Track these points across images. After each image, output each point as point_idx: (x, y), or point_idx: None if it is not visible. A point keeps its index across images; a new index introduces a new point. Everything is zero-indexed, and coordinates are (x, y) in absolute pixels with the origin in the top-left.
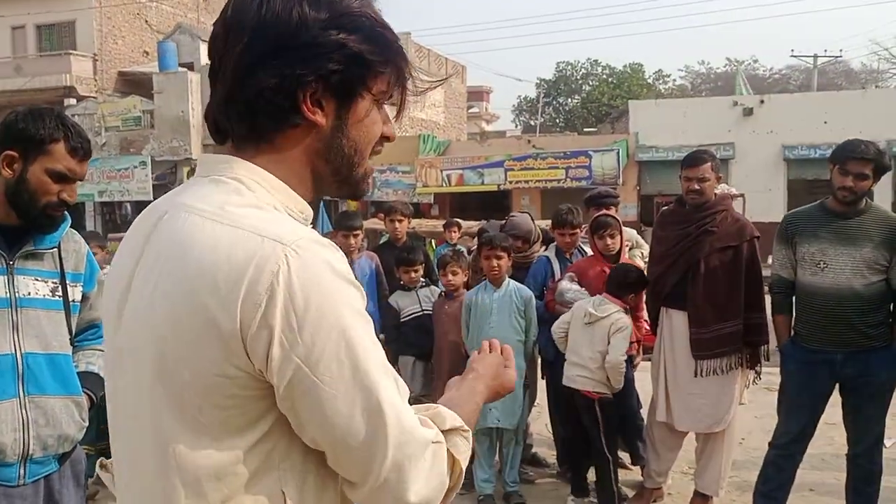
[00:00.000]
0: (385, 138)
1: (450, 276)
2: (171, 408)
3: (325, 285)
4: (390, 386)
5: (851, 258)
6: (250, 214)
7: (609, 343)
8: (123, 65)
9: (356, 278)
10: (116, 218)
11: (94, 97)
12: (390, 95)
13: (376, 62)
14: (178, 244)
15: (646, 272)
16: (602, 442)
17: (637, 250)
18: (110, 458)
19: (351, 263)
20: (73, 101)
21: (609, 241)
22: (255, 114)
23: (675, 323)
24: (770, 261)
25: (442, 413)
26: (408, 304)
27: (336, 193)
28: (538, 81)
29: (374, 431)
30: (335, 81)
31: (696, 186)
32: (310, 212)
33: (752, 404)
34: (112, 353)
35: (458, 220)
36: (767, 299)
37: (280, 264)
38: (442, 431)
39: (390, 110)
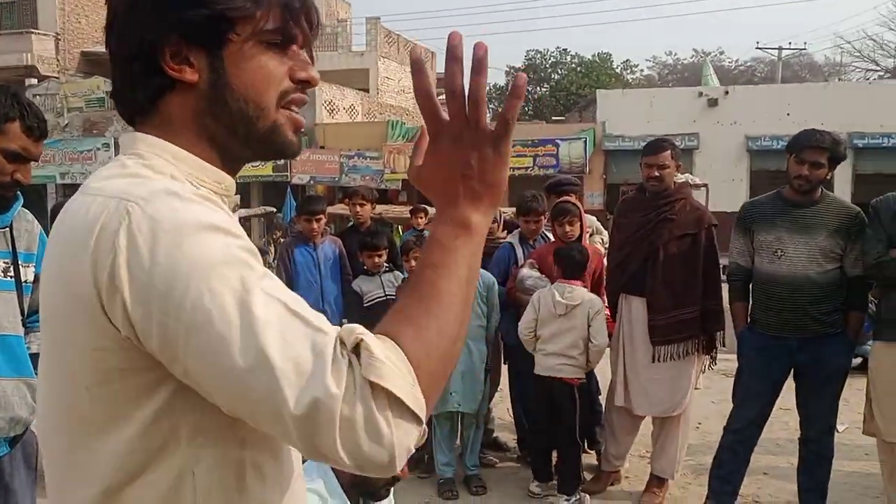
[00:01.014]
0: (303, 82)
1: (413, 262)
2: (68, 388)
3: (174, 230)
4: (281, 319)
5: (807, 246)
6: (122, 182)
7: (590, 327)
8: (87, 44)
9: (318, 262)
10: None
11: (56, 77)
12: (285, 33)
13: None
14: (59, 221)
15: (606, 259)
16: (577, 427)
17: (598, 237)
18: None
19: (314, 248)
20: (34, 80)
21: (568, 227)
22: (132, 88)
23: (634, 309)
24: (730, 249)
25: (348, 328)
26: (371, 289)
27: (252, 155)
28: (507, 69)
29: (266, 383)
30: (192, 31)
31: (657, 173)
32: (229, 182)
33: (710, 390)
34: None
35: (424, 206)
36: (725, 287)
37: (122, 219)
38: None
39: (300, 51)
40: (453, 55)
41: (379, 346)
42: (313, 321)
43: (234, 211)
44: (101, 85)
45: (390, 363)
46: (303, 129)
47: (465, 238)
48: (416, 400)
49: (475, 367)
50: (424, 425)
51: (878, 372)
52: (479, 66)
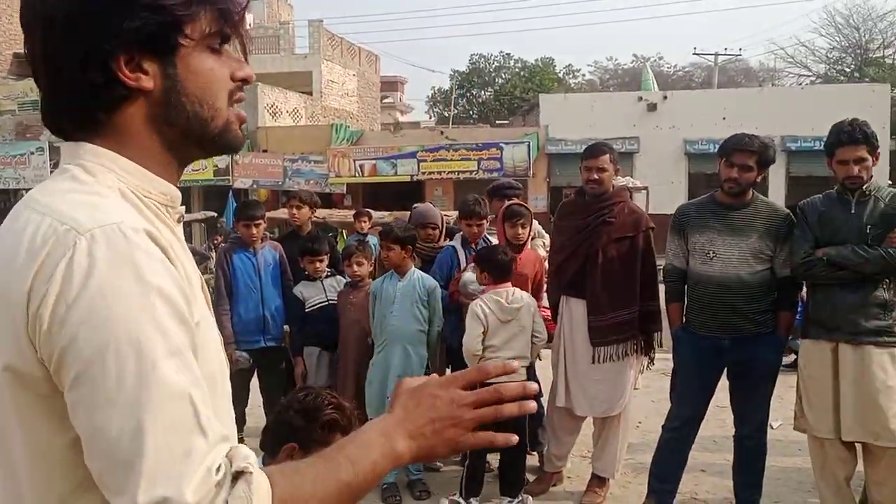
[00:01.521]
0: (242, 80)
1: (355, 267)
2: (16, 389)
3: (108, 277)
4: (173, 406)
5: (738, 248)
6: (68, 199)
7: (535, 322)
8: (19, 46)
9: (258, 268)
10: (11, 206)
11: None
12: (222, 35)
13: (177, 6)
14: (1, 233)
15: (547, 262)
16: (527, 428)
17: (539, 240)
18: None
19: (254, 254)
20: None
21: (520, 230)
22: (80, 100)
23: (574, 311)
24: (666, 251)
25: (242, 452)
26: (313, 294)
27: (204, 154)
28: (452, 73)
29: (124, 460)
30: (145, 39)
31: (596, 176)
32: (175, 193)
33: (649, 389)
34: None
35: (368, 210)
36: (662, 289)
37: (67, 251)
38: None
39: (235, 51)
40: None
41: (261, 486)
42: (204, 422)
43: (179, 221)
44: (35, 88)
45: (259, 498)
46: (245, 122)
47: (389, 461)
48: None
49: (412, 373)
50: None
51: (807, 369)
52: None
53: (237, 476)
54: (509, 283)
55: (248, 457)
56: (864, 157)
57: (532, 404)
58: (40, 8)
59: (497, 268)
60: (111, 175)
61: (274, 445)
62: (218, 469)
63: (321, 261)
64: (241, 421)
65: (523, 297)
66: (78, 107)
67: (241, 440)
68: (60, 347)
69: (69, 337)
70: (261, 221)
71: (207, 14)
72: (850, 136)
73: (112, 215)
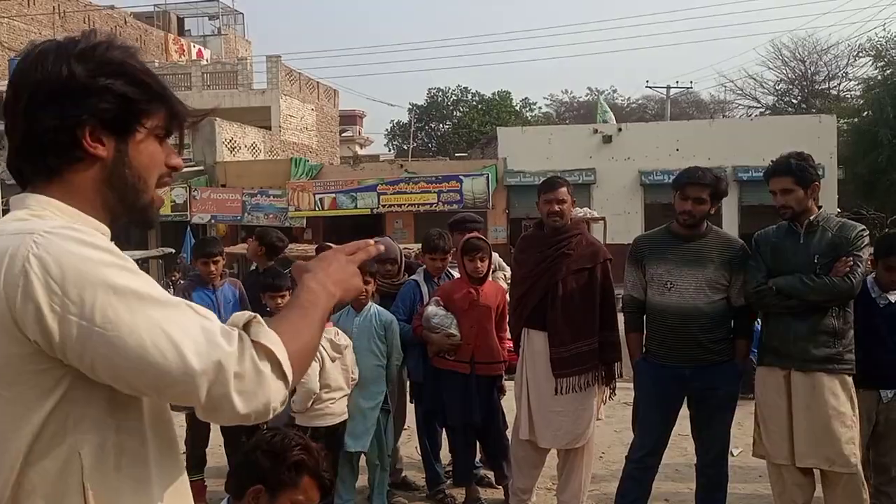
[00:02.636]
0: (172, 168)
1: None
2: None
3: (76, 252)
4: (173, 311)
5: (695, 278)
6: (17, 224)
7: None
8: None
9: (217, 305)
10: None
11: None
12: (167, 130)
13: (141, 101)
14: None
15: (508, 294)
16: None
17: (500, 273)
18: None
19: (213, 291)
20: None
21: (479, 263)
22: (44, 153)
23: (536, 343)
24: (624, 282)
25: (238, 317)
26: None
27: (127, 219)
28: (410, 107)
29: (174, 356)
30: (109, 119)
31: (557, 208)
32: (105, 230)
33: (612, 419)
34: None
35: (330, 244)
36: (621, 318)
37: (30, 248)
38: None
39: (174, 145)
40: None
41: (262, 325)
42: (199, 311)
43: None
44: None
45: (274, 337)
46: (161, 206)
47: (326, 297)
48: (287, 364)
49: (364, 407)
50: (287, 393)
51: (762, 396)
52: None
53: (247, 325)
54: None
55: (247, 312)
56: (789, 189)
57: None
58: (33, 75)
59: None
60: (51, 214)
61: (239, 487)
62: (231, 328)
63: (283, 297)
64: (201, 461)
65: (344, 336)
66: (42, 159)
67: (202, 481)
68: (65, 317)
69: (73, 305)
70: (219, 258)
71: (162, 112)
72: (776, 167)
73: (57, 221)
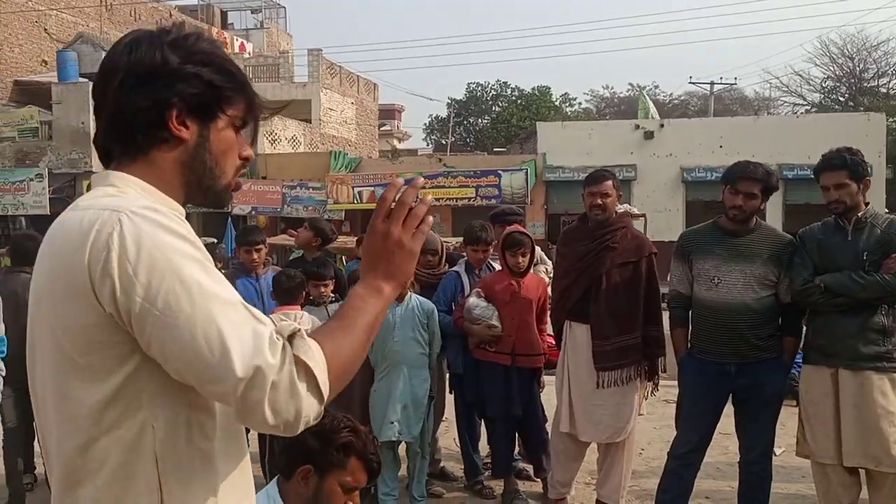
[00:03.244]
0: (245, 159)
1: None
2: (60, 361)
3: (154, 236)
4: (231, 310)
5: (743, 274)
6: (103, 200)
7: None
8: (20, 73)
9: (261, 293)
10: (10, 232)
11: None
12: (244, 121)
13: (226, 88)
14: (54, 231)
15: (550, 288)
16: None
17: (542, 266)
18: None
19: (256, 279)
20: None
21: (521, 258)
22: (132, 132)
23: (578, 336)
24: (669, 277)
25: (285, 324)
26: (317, 320)
27: (202, 201)
28: (449, 101)
29: (220, 354)
30: (195, 104)
31: (600, 202)
32: (182, 210)
33: (653, 416)
34: (29, 347)
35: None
36: (665, 314)
37: (115, 225)
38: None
39: (247, 136)
40: (413, 185)
41: (306, 338)
42: (255, 314)
43: None
44: (35, 115)
45: (315, 351)
46: (238, 189)
47: (377, 299)
48: (324, 382)
49: (416, 396)
50: (322, 407)
51: (808, 395)
52: (424, 198)
53: (291, 337)
54: (298, 307)
55: (293, 324)
56: (843, 183)
57: (419, 180)
58: (127, 59)
59: (278, 288)
60: (134, 192)
61: (289, 467)
62: (278, 337)
63: (326, 286)
64: None
65: (310, 319)
66: (131, 137)
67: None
68: (131, 296)
69: (140, 286)
70: (262, 246)
71: (242, 102)
72: (829, 161)
73: (140, 202)
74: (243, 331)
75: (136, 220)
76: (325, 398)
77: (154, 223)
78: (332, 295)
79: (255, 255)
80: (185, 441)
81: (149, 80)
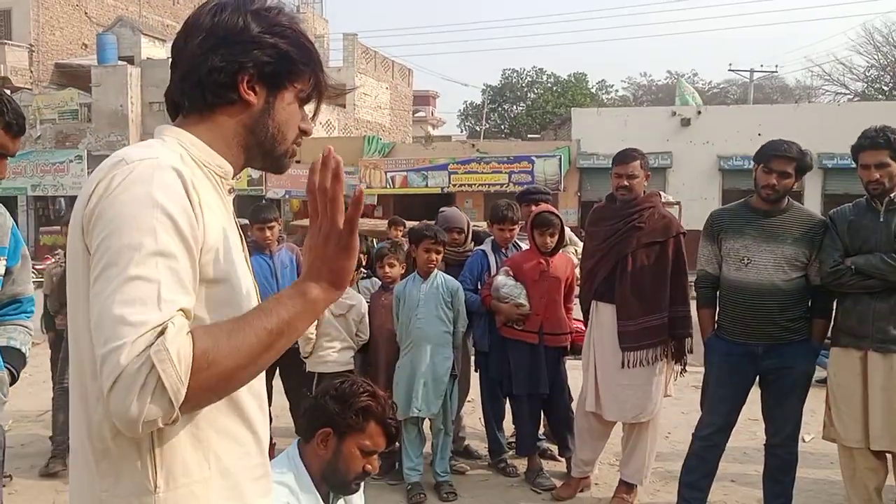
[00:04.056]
0: (303, 132)
1: (387, 269)
2: (81, 304)
3: (135, 195)
4: (135, 289)
5: (773, 255)
6: (131, 148)
7: (360, 323)
8: (61, 56)
9: (275, 271)
10: (49, 213)
11: (28, 89)
12: (309, 95)
13: (299, 62)
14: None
15: (578, 268)
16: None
17: (571, 247)
18: None
19: (270, 256)
20: (6, 91)
21: (549, 239)
22: (203, 89)
23: (604, 315)
24: (698, 257)
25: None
26: (346, 296)
27: (261, 165)
28: (484, 87)
29: (101, 318)
30: (267, 72)
31: (626, 183)
32: (228, 168)
33: (680, 401)
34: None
35: (402, 219)
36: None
37: (114, 169)
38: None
39: (309, 110)
40: (324, 163)
41: (176, 339)
42: (163, 302)
43: (230, 193)
44: (75, 97)
45: (175, 358)
46: (295, 156)
47: (298, 301)
48: (175, 392)
49: (437, 373)
50: (177, 413)
51: (836, 378)
52: (337, 173)
53: (163, 331)
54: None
55: (173, 315)
56: (885, 163)
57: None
58: (210, 21)
59: None
60: (177, 144)
61: (309, 430)
62: (152, 333)
63: (270, 228)
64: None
65: (356, 296)
66: (199, 95)
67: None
68: (93, 234)
69: (98, 228)
70: (275, 224)
71: (311, 78)
72: (873, 140)
73: (154, 153)
74: (128, 311)
75: (133, 166)
76: (177, 405)
77: (143, 182)
78: (365, 271)
79: (269, 233)
80: None
81: (227, 43)
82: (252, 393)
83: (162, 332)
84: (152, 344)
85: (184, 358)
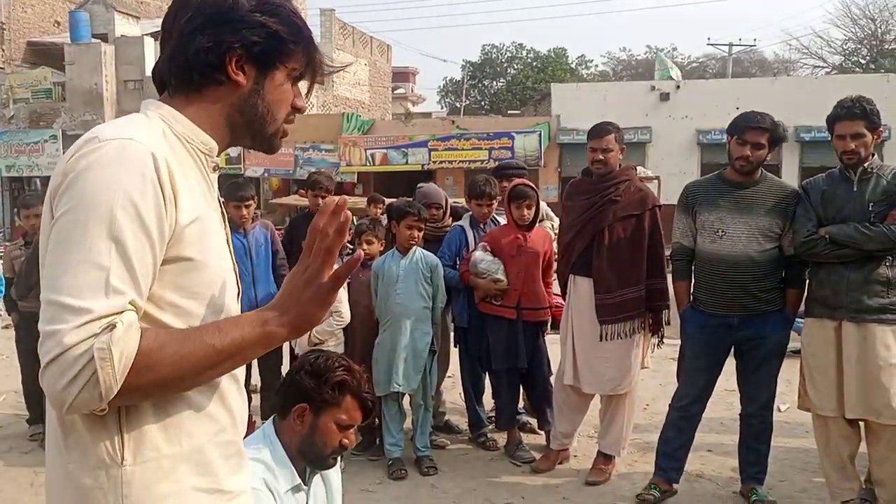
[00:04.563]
0: (296, 109)
1: (365, 246)
2: None
3: (101, 174)
4: (89, 273)
5: (747, 226)
6: (109, 124)
7: (339, 302)
8: (33, 34)
9: (249, 249)
10: (26, 194)
11: (1, 68)
12: (302, 74)
13: (289, 41)
14: None
15: (556, 242)
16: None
17: (548, 222)
18: None
19: (245, 235)
20: None
21: (526, 211)
22: (190, 69)
23: (581, 289)
24: (673, 229)
25: (129, 316)
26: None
27: (250, 144)
28: (464, 63)
29: (48, 296)
30: (256, 52)
31: (601, 156)
32: (212, 145)
33: (658, 373)
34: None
35: (381, 196)
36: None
37: (83, 146)
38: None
39: (302, 88)
40: (334, 212)
41: (122, 339)
42: (112, 291)
43: (214, 170)
44: (49, 76)
45: (118, 357)
46: (287, 137)
47: (257, 329)
48: (107, 389)
49: (417, 349)
50: (105, 405)
51: (810, 348)
52: (342, 229)
53: (108, 328)
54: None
55: (122, 310)
56: (861, 133)
57: (346, 215)
58: (199, 1)
59: None
60: (160, 120)
61: (285, 405)
62: (99, 326)
63: (247, 206)
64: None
65: None
66: (186, 73)
67: (250, 417)
68: (57, 210)
69: (61, 204)
70: (251, 202)
71: (303, 56)
72: (849, 110)
73: (129, 132)
74: (73, 295)
75: (101, 150)
76: (110, 399)
77: (112, 161)
78: (349, 247)
79: (245, 211)
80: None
81: (215, 22)
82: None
83: (111, 329)
84: (97, 335)
85: (126, 359)
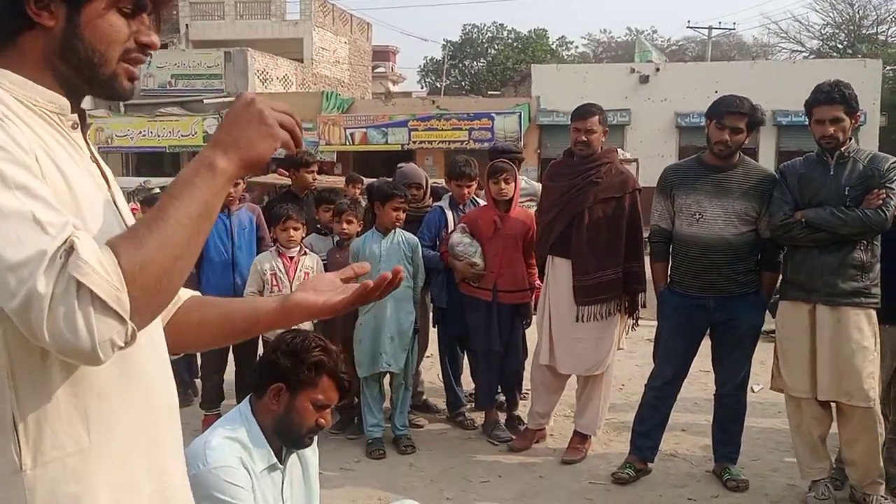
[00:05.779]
0: (143, 45)
1: (344, 225)
2: None
3: None
4: (9, 223)
5: (724, 210)
6: None
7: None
8: None
9: (231, 230)
10: None
11: None
12: (138, 4)
13: None
14: None
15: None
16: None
17: (534, 203)
18: None
19: (228, 215)
20: None
21: (503, 185)
22: None
23: (559, 270)
24: (651, 212)
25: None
26: (322, 249)
27: (90, 92)
28: (444, 43)
29: (8, 281)
30: None
31: (584, 138)
32: (64, 103)
33: (635, 353)
34: None
35: (360, 175)
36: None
37: None
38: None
39: (150, 21)
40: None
41: (91, 250)
42: (47, 225)
43: (73, 128)
44: None
45: (98, 266)
46: (136, 80)
47: (208, 177)
48: (118, 301)
49: (402, 328)
50: (131, 326)
51: (784, 330)
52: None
53: (69, 249)
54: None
55: (75, 231)
56: (839, 118)
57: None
58: None
59: None
60: None
61: (261, 385)
62: (60, 255)
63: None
64: (215, 395)
65: (311, 255)
66: None
67: (218, 416)
68: None
69: None
70: (240, 181)
71: None
72: (828, 95)
73: None
74: (24, 249)
75: None
76: (128, 316)
77: None
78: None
79: (232, 190)
80: (40, 358)
81: None
82: (153, 352)
83: (71, 251)
84: (64, 265)
85: (108, 264)
